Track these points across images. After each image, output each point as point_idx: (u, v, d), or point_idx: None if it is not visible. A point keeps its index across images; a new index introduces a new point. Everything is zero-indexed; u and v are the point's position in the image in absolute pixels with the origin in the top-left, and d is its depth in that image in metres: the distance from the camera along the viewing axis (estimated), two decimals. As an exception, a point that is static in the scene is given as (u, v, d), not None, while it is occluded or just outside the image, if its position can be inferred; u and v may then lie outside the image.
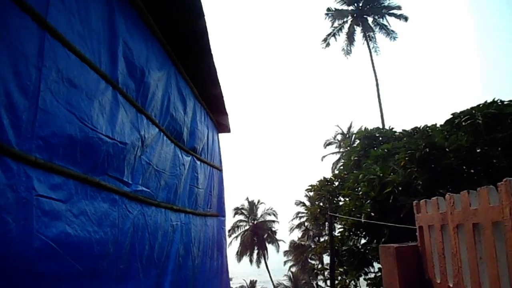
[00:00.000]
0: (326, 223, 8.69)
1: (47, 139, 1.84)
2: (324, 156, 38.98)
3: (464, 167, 5.93)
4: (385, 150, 7.28)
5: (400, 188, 5.67)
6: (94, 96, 2.31)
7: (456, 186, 5.63)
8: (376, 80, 27.19)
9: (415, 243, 2.97)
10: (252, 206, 45.93)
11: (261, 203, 46.84)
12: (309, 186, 8.69)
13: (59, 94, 1.94)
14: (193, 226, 4.39)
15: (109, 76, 2.52)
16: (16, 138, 1.63)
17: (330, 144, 38.59)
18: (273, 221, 45.54)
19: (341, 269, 7.73)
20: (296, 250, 42.15)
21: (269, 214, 46.20)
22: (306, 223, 42.93)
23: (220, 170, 6.35)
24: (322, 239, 37.99)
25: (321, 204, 8.52)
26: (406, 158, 6.02)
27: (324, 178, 8.70)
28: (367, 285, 8.75)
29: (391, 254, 2.63)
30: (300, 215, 44.17)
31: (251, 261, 44.12)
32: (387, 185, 5.94)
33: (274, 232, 45.50)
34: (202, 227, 4.84)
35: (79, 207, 2.11)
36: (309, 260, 44.44)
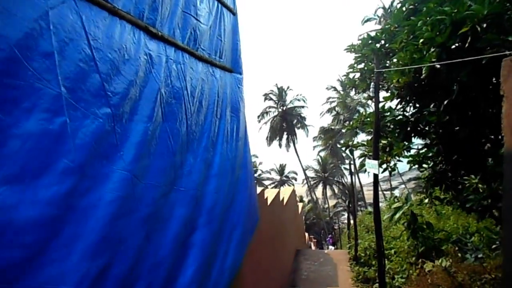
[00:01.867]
0: (368, 91, 7.24)
1: None
2: (361, 35, 35.36)
3: None
4: (455, -11, 5.35)
5: (484, 25, 4.01)
6: None
7: None
8: None
9: None
10: (281, 92, 44.65)
11: (290, 89, 45.50)
12: (348, 46, 7.00)
13: None
14: (190, 69, 3.12)
15: None
16: None
17: (368, 20, 34.57)
18: (302, 107, 44.62)
19: (385, 142, 6.57)
20: (326, 135, 42.04)
21: (298, 100, 45.08)
22: (337, 108, 41.81)
23: (234, 14, 4.84)
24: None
25: (363, 67, 6.95)
26: (496, -16, 4.19)
27: (368, 34, 6.96)
28: (408, 162, 7.70)
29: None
30: (331, 99, 42.80)
31: (280, 145, 44.73)
32: (462, 23, 4.26)
33: (304, 118, 44.97)
34: (207, 76, 3.58)
35: None
36: (338, 145, 44.47)
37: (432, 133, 6.75)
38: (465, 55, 4.35)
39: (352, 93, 39.19)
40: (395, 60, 5.66)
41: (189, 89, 3.02)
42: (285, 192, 11.89)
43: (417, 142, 7.91)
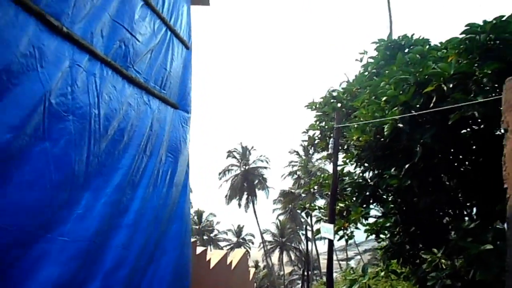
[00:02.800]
0: (326, 150, 6.84)
1: None
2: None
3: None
4: (418, 55, 5.29)
5: (450, 86, 3.76)
6: None
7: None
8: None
9: None
10: (245, 151, 44.58)
11: (254, 149, 45.45)
12: (309, 103, 6.72)
13: None
14: (110, 87, 2.50)
15: None
16: None
17: (333, 92, 36.30)
18: (265, 168, 44.46)
19: (342, 205, 6.06)
20: (286, 198, 41.53)
21: (261, 161, 45.01)
22: (298, 172, 41.88)
23: (188, 48, 4.40)
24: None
25: (324, 125, 6.62)
26: (461, 47, 4.05)
27: (330, 93, 6.76)
28: (365, 231, 7.22)
29: None
30: (293, 163, 43.00)
31: (239, 205, 43.56)
32: (428, 83, 4.03)
33: (265, 179, 44.61)
34: (138, 103, 2.97)
35: None
36: (295, 208, 43.86)
37: (390, 202, 6.37)
38: (429, 115, 4.06)
39: (315, 157, 39.70)
40: (356, 118, 5.36)
41: (104, 109, 2.37)
42: (235, 255, 10.91)
43: (375, 212, 7.52)
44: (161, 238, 3.23)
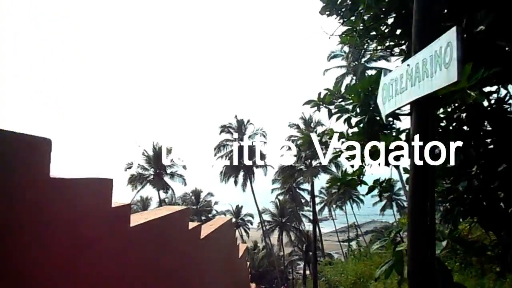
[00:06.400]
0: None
1: None
2: (326, 70, 33.51)
3: None
4: None
5: None
6: None
7: None
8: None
9: None
10: (241, 125, 41.43)
11: (250, 123, 42.25)
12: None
13: None
14: None
15: None
16: None
17: (335, 56, 33.02)
18: (264, 143, 41.49)
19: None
20: (285, 173, 38.57)
21: (258, 135, 42.00)
22: (299, 145, 38.95)
23: None
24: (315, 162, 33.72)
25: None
26: None
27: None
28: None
29: None
30: (292, 137, 39.99)
31: (235, 182, 40.79)
32: None
33: (263, 156, 41.73)
34: None
35: None
36: (298, 189, 41.19)
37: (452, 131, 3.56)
38: None
39: (318, 130, 36.58)
40: None
41: None
42: (215, 223, 7.85)
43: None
44: None
